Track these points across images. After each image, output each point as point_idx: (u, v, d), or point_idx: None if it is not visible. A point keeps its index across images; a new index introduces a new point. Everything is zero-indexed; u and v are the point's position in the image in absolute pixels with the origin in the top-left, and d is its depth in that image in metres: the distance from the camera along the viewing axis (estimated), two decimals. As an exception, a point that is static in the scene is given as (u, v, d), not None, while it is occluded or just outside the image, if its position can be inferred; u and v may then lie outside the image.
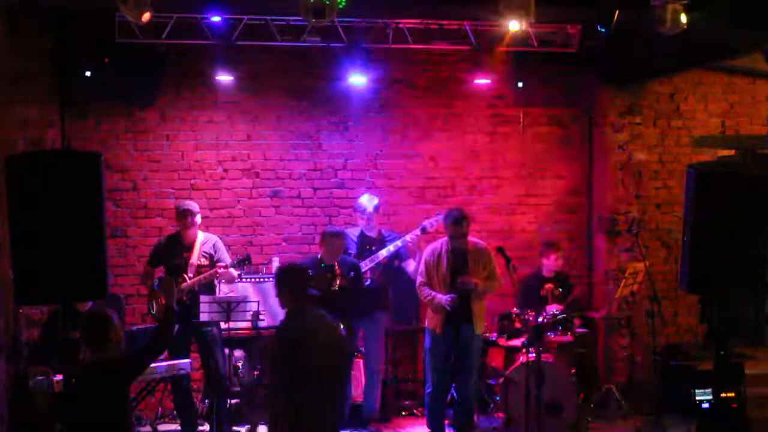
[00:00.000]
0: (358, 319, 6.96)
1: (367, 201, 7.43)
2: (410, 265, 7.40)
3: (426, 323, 6.74)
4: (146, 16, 5.83)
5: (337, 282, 6.47)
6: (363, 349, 7.41)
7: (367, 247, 7.33)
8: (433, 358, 6.64)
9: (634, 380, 8.16)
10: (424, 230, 7.37)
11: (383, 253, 7.30)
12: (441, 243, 6.68)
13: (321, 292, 6.40)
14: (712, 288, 4.81)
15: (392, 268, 7.51)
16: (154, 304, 6.88)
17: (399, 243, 7.34)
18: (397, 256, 7.43)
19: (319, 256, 6.83)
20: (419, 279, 6.70)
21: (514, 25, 6.09)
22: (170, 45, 7.15)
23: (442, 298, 6.48)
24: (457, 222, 6.53)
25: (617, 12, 6.14)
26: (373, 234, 7.40)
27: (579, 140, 8.69)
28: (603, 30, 6.29)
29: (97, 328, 4.51)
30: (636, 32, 6.50)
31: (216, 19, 6.88)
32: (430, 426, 6.83)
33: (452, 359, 6.52)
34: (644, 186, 8.47)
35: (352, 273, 6.63)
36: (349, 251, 7.21)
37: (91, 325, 4.55)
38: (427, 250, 6.73)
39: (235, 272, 6.87)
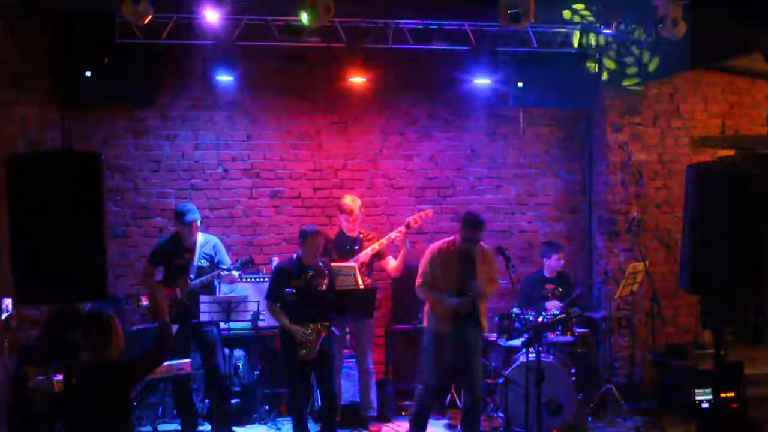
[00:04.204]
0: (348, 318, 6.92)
1: (352, 201, 7.37)
2: (389, 263, 7.36)
3: (426, 323, 6.63)
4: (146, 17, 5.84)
5: (321, 282, 6.47)
6: (354, 349, 7.39)
7: (348, 247, 7.28)
8: (436, 358, 6.52)
9: (634, 380, 8.17)
10: (408, 226, 7.31)
11: (368, 251, 7.25)
12: (447, 244, 6.56)
13: (306, 293, 6.39)
14: (712, 288, 4.80)
15: (372, 267, 7.42)
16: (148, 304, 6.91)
17: (383, 241, 7.29)
18: (377, 254, 7.35)
19: (295, 256, 6.68)
20: (420, 279, 6.57)
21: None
22: (170, 45, 7.15)
23: (453, 300, 6.41)
24: (477, 226, 6.44)
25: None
26: (353, 234, 7.37)
27: (579, 140, 8.70)
28: None
29: (97, 328, 4.50)
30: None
31: (216, 18, 6.86)
32: (413, 421, 6.67)
33: (453, 361, 6.48)
34: (644, 186, 8.47)
35: (328, 272, 6.62)
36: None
37: (91, 325, 4.54)
38: (433, 251, 6.57)
39: (235, 273, 6.87)
